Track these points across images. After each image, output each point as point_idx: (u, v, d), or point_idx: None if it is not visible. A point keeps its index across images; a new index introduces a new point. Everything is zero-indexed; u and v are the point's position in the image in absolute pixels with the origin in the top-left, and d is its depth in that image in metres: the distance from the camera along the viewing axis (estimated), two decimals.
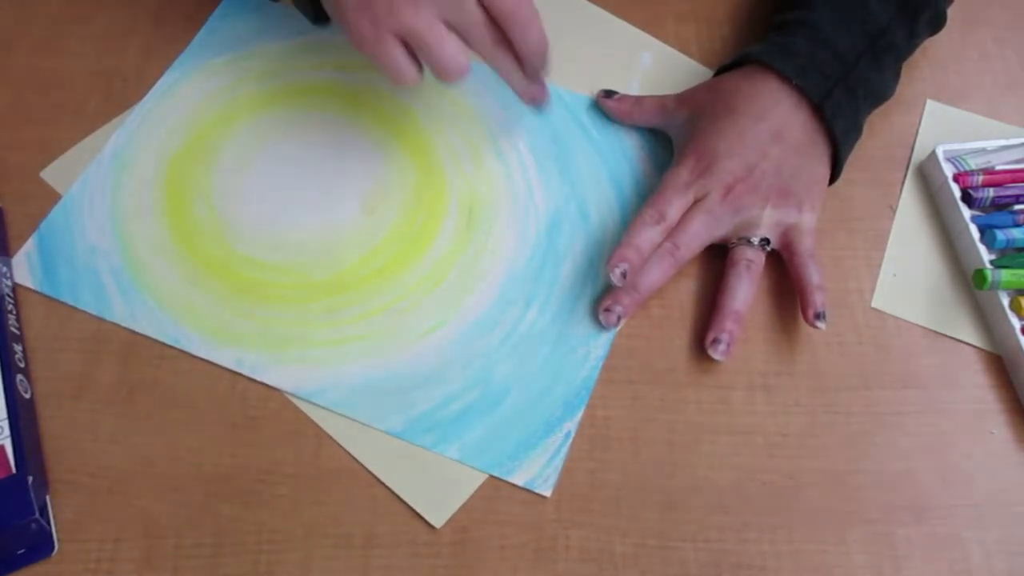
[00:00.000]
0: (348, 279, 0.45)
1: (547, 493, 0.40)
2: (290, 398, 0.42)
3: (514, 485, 0.40)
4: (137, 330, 0.43)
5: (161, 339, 0.43)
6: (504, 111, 0.51)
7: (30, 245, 0.46)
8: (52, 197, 0.47)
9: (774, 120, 0.44)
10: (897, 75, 0.48)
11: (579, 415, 0.42)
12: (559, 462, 0.41)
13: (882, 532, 0.39)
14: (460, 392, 0.42)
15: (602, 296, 0.44)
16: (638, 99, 0.50)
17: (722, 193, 0.43)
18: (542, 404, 0.42)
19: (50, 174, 0.48)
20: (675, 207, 0.43)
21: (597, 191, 0.48)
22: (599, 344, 0.44)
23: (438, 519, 0.39)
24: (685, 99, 0.48)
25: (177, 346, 0.43)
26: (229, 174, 0.48)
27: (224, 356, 0.43)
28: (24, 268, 0.45)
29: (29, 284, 0.44)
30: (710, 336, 0.43)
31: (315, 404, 0.42)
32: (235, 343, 0.43)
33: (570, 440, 0.41)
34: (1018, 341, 0.42)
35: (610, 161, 0.49)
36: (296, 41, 0.53)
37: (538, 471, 0.40)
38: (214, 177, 0.48)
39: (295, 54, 0.53)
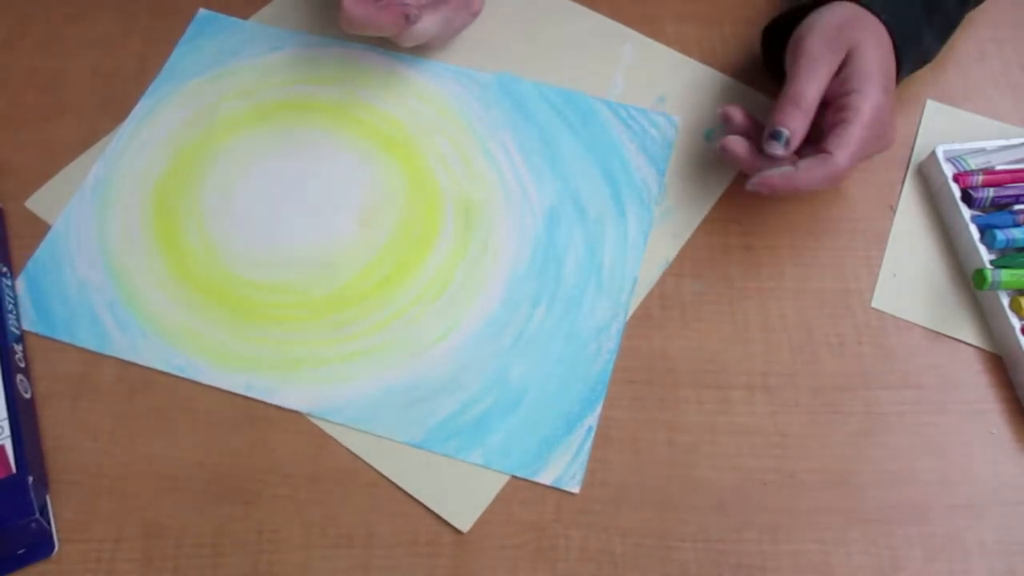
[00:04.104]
0: (352, 293, 0.45)
1: (575, 490, 0.40)
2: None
3: (514, 485, 0.40)
4: (140, 363, 0.42)
5: (166, 370, 0.42)
6: (487, 112, 0.51)
7: (20, 287, 0.45)
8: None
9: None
10: (942, 40, 0.49)
11: (598, 409, 0.42)
12: (584, 458, 0.41)
13: (882, 532, 0.39)
14: (477, 397, 0.42)
15: (606, 288, 0.45)
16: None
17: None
18: (560, 402, 0.42)
19: (36, 203, 0.47)
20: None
21: (589, 185, 0.48)
22: (610, 337, 0.44)
23: (464, 523, 0.39)
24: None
25: (183, 375, 0.42)
26: (218, 196, 0.48)
27: (234, 382, 0.42)
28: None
29: (23, 327, 0.43)
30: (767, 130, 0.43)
31: (332, 422, 0.41)
32: (243, 367, 0.42)
33: (592, 435, 0.41)
34: (1018, 341, 0.42)
35: (598, 154, 0.49)
36: (270, 57, 0.53)
37: (564, 469, 0.40)
38: (203, 201, 0.47)
39: (271, 70, 0.52)
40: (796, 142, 0.43)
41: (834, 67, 0.43)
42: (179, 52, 0.53)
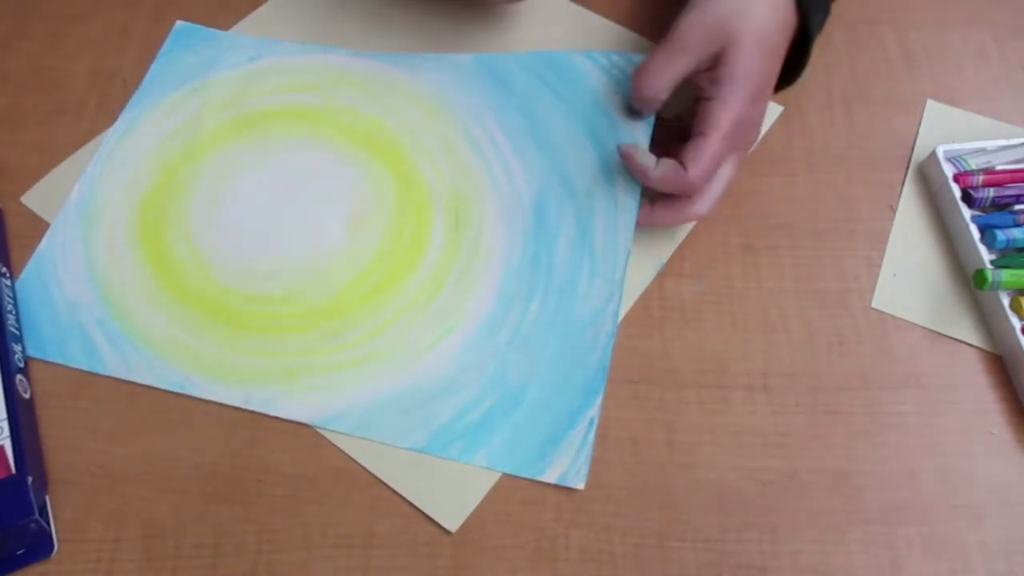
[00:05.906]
0: (346, 301, 0.44)
1: (580, 486, 0.40)
2: None
3: (514, 484, 0.40)
4: (135, 380, 0.42)
5: (162, 386, 0.42)
6: (469, 97, 0.50)
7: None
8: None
9: None
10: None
11: (599, 400, 0.41)
12: (588, 453, 0.40)
13: (882, 532, 0.39)
14: (478, 398, 0.42)
15: (600, 268, 0.45)
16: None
17: None
18: (561, 396, 0.42)
19: (31, 199, 0.47)
20: None
21: (576, 152, 0.47)
22: (606, 320, 0.43)
23: (453, 523, 0.39)
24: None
25: (180, 391, 0.42)
26: (205, 209, 0.47)
27: (231, 395, 0.42)
28: None
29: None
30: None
31: (333, 431, 0.41)
32: (240, 381, 0.42)
33: (594, 428, 0.41)
34: (1018, 341, 0.42)
35: (583, 114, 0.48)
36: (250, 67, 0.52)
37: (569, 465, 0.40)
38: (190, 214, 0.47)
39: (251, 80, 0.52)
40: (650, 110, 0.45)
41: (702, 59, 0.42)
42: (158, 65, 0.52)
